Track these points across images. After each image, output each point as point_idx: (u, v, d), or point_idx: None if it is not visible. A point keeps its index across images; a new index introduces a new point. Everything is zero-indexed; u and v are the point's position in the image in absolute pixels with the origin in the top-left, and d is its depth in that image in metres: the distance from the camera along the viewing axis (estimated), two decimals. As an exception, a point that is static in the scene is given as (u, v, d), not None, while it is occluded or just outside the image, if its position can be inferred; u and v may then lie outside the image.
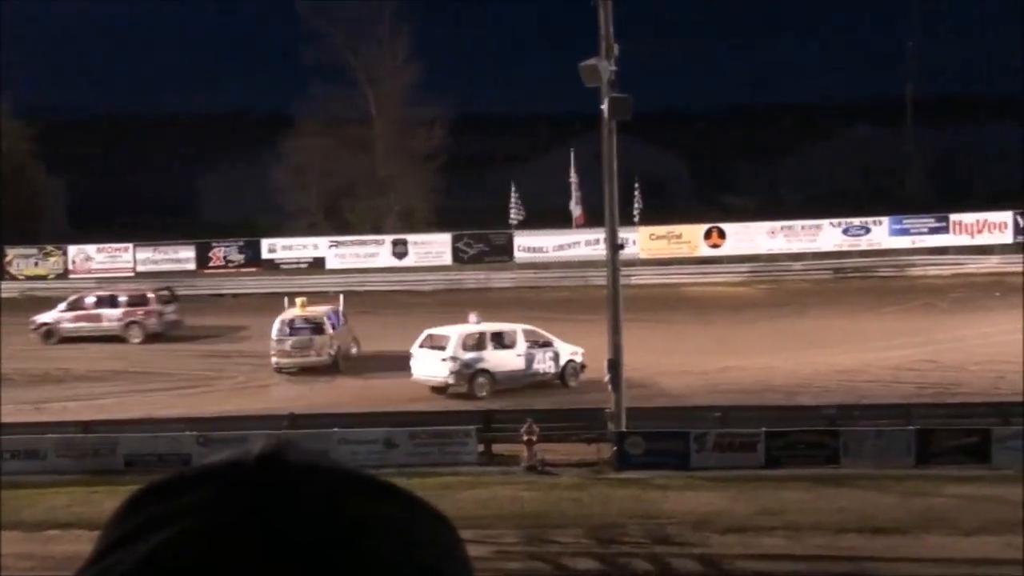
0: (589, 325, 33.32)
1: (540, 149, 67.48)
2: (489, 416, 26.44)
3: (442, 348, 31.14)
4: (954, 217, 52.39)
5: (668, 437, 24.68)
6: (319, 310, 35.65)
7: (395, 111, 59.54)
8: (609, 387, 25.31)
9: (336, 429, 25.77)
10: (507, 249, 53.72)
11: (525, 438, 24.49)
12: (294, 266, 54.82)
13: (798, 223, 52.71)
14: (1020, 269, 49.28)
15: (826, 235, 52.36)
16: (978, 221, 52.34)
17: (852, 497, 22.16)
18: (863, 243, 52.11)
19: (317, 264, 54.71)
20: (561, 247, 53.31)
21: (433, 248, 54.55)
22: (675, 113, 77.09)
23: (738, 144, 72.75)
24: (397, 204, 59.50)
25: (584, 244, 51.63)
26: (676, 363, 33.52)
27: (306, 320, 34.76)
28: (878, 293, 46.16)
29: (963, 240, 51.99)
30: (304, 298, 37.00)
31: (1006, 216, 52.32)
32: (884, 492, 22.32)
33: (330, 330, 34.51)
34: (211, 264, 55.37)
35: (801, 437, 24.35)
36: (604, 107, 24.68)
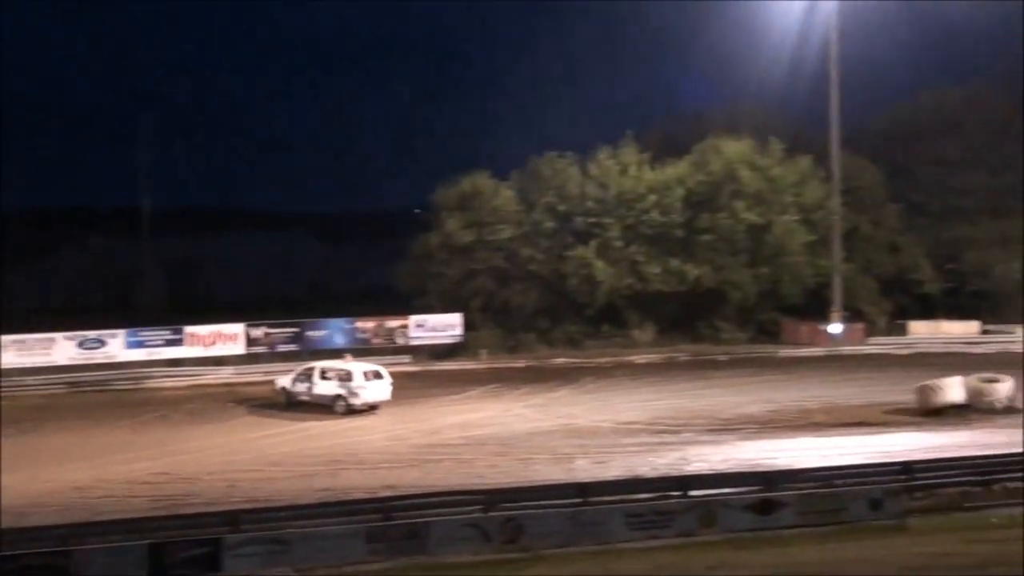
0: None
1: None
2: None
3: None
4: (189, 329, 53.58)
5: None
6: None
7: None
8: None
9: None
10: None
11: None
12: None
13: (31, 336, 51.04)
14: (252, 379, 51.64)
15: (61, 348, 51.11)
16: (212, 333, 53.97)
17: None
18: (99, 356, 51.55)
19: None
20: None
21: None
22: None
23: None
24: None
25: None
26: None
27: None
28: (114, 406, 45.89)
29: (198, 351, 53.30)
30: None
31: (238, 328, 54.47)
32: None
33: None
34: None
35: (32, 560, 23.39)
36: None
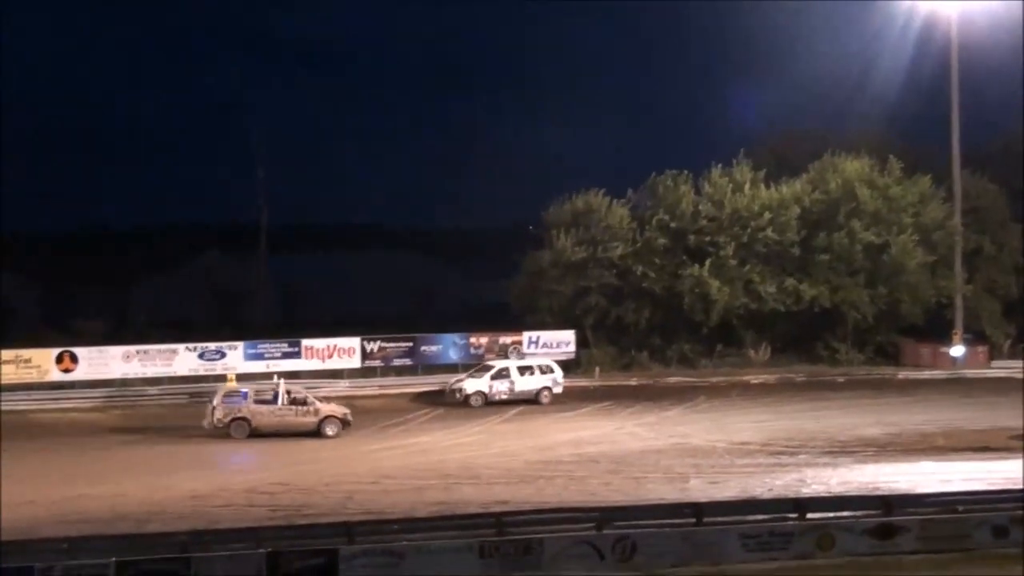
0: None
1: None
2: None
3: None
4: (306, 342, 54.28)
5: (7, 573, 23.15)
6: (228, 386, 44.65)
7: None
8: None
9: None
10: None
11: None
12: None
13: (154, 347, 52.12)
14: (367, 393, 52.19)
15: (182, 359, 52.12)
16: (328, 346, 54.62)
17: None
18: (219, 367, 52.45)
19: None
20: None
21: None
22: (24, 235, 74.08)
23: (90, 268, 71.00)
24: None
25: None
26: (22, 493, 31.73)
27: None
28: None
29: (315, 364, 53.94)
30: (232, 375, 48.42)
31: (354, 342, 55.04)
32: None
33: (216, 402, 42.32)
34: None
35: (152, 566, 23.81)
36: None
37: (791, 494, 31.35)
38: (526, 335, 58.36)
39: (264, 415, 42.18)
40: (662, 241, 61.66)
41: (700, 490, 32.68)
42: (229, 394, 42.80)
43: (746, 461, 37.41)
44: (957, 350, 60.72)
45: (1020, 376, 57.34)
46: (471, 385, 50.02)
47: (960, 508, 28.08)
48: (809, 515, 27.35)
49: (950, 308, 62.52)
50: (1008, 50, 62.93)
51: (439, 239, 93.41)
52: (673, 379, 57.38)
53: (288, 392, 42.77)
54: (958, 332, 61.41)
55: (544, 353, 57.42)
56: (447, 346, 57.11)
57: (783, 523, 26.96)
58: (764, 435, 42.06)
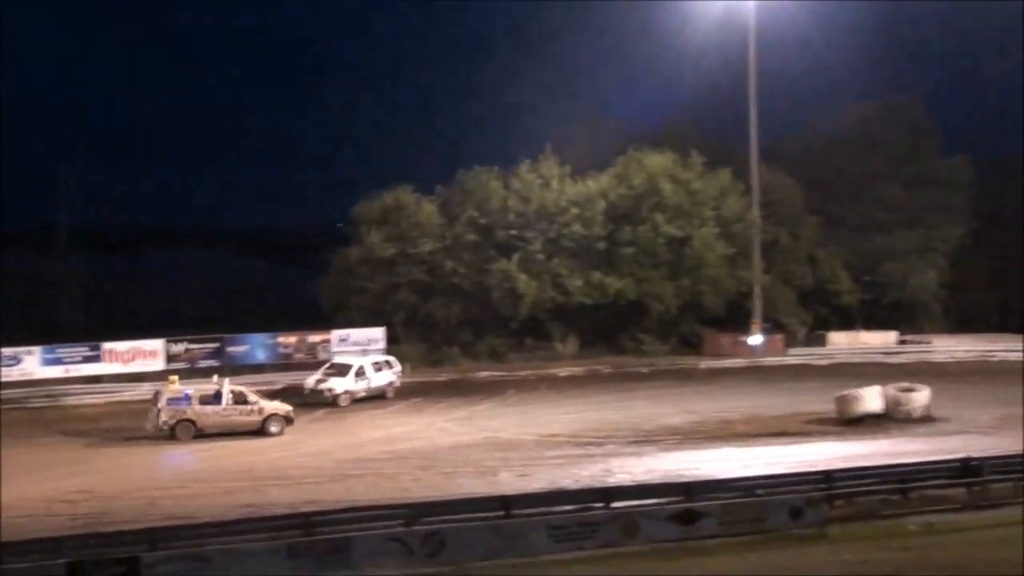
0: None
1: None
2: None
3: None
4: (107, 346, 52.73)
5: None
6: (171, 388, 42.70)
7: None
8: None
9: None
10: None
11: None
12: None
13: (-58, 354, 49.98)
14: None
15: (-27, 366, 50.16)
16: (130, 349, 53.21)
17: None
18: (15, 373, 50.61)
19: None
20: None
21: None
22: None
23: None
24: None
25: None
26: None
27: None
28: (31, 424, 45.02)
29: (117, 368, 52.50)
30: (175, 377, 45.35)
31: (157, 344, 53.74)
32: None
33: (161, 404, 41.45)
34: None
35: (-58, 581, 22.90)
36: None
37: (598, 484, 31.96)
38: (335, 333, 57.98)
39: (209, 416, 41.51)
40: (471, 237, 62.02)
41: (509, 483, 33.02)
42: (173, 396, 41.84)
43: (554, 453, 37.93)
44: (756, 339, 62.65)
45: (815, 363, 59.75)
46: (340, 384, 49.05)
47: (759, 492, 29.04)
48: (614, 504, 27.91)
49: (749, 298, 64.47)
50: (805, 46, 65.22)
51: (251, 237, 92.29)
52: (483, 374, 57.75)
53: (232, 392, 42.08)
54: (756, 321, 63.37)
55: (354, 351, 57.08)
56: (255, 346, 56.30)
57: (589, 513, 27.45)
58: (572, 427, 42.69)
